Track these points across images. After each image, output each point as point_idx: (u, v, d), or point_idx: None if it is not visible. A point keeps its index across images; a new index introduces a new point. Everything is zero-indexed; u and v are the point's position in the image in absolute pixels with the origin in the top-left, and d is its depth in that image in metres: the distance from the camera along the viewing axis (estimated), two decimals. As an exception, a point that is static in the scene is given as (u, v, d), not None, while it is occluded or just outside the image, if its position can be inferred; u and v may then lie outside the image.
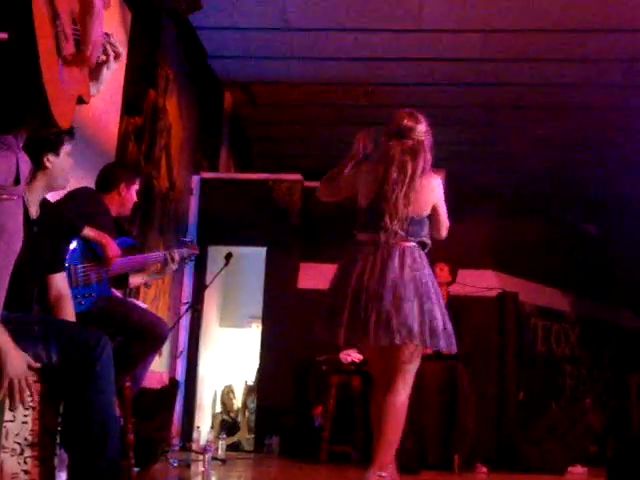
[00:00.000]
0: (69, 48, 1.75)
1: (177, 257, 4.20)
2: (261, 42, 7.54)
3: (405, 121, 3.59)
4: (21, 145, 1.79)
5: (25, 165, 1.74)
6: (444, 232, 3.73)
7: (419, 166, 3.49)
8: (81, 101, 1.91)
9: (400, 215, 3.42)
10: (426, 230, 3.60)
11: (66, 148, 2.76)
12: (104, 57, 2.18)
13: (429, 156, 3.56)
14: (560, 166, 10.05)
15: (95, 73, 2.20)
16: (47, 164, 2.69)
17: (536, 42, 7.16)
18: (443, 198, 3.66)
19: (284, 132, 9.83)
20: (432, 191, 3.58)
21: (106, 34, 2.21)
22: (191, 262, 4.97)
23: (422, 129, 3.59)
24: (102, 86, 2.22)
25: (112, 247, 3.61)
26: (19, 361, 2.34)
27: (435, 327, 3.39)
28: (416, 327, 3.32)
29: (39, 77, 1.49)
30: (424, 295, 3.41)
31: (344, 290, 3.39)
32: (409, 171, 3.46)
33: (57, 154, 2.72)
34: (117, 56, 2.21)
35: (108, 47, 2.18)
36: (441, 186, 3.64)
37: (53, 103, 1.55)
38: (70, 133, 2.77)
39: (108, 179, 3.98)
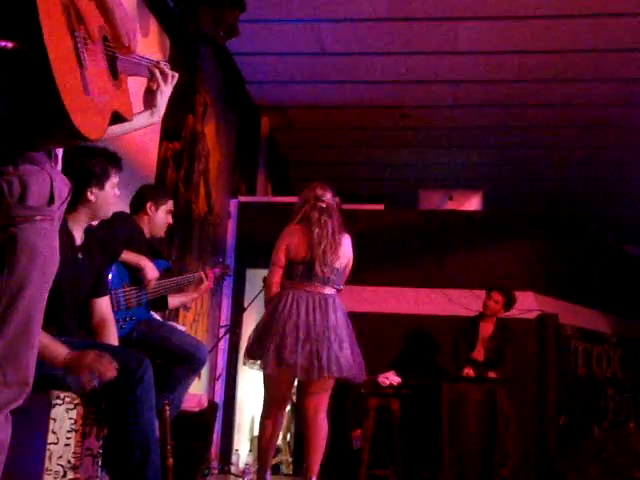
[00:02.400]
0: (99, 64, 1.76)
1: (211, 274, 4.27)
2: (297, 67, 7.61)
3: (318, 190, 4.37)
4: (56, 164, 1.79)
5: (61, 185, 1.71)
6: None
7: (336, 223, 4.25)
8: (119, 118, 1.90)
9: (329, 265, 4.15)
10: (341, 279, 4.31)
11: (112, 181, 2.83)
12: (154, 84, 2.22)
13: (340, 217, 4.32)
14: (599, 186, 9.95)
15: (150, 100, 2.23)
16: (90, 197, 2.76)
17: (572, 62, 7.13)
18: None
19: (321, 155, 9.89)
20: (348, 247, 4.32)
21: (157, 61, 2.24)
22: (224, 281, 5.08)
23: (330, 196, 4.36)
24: (162, 111, 2.24)
25: (151, 269, 3.65)
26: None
27: (360, 362, 4.15)
28: (352, 363, 4.08)
29: (52, 84, 1.48)
30: (351, 337, 4.16)
31: (294, 328, 4.01)
32: (329, 228, 4.20)
33: (102, 187, 2.79)
34: (166, 79, 2.23)
35: (157, 73, 2.21)
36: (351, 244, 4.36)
37: (74, 113, 1.53)
38: (117, 166, 2.84)
39: (137, 200, 4.02)
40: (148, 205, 3.97)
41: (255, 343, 4.13)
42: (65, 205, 1.76)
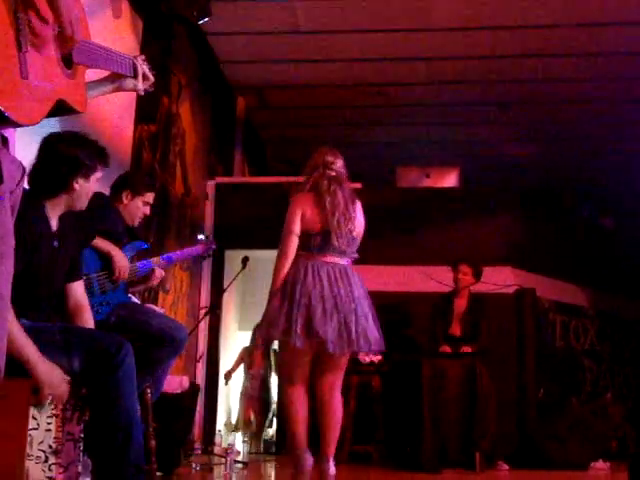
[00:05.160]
0: (47, 51, 1.73)
1: (159, 273, 4.19)
2: (272, 46, 7.57)
3: (327, 156, 4.14)
4: (7, 148, 1.75)
5: (12, 167, 1.68)
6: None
7: (347, 192, 4.06)
8: (67, 108, 1.86)
9: (345, 236, 3.96)
10: (355, 249, 4.12)
11: (97, 175, 2.83)
12: (138, 81, 2.24)
13: (350, 185, 4.17)
14: (575, 161, 10.01)
15: (119, 81, 2.26)
16: (75, 186, 2.75)
17: (545, 37, 7.15)
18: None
19: (297, 135, 9.86)
20: (361, 216, 4.15)
21: (135, 57, 2.26)
22: (209, 258, 4.98)
23: (340, 163, 4.16)
24: (100, 92, 2.29)
25: (120, 258, 3.62)
26: (52, 374, 2.41)
27: (381, 335, 3.97)
28: (378, 337, 3.93)
29: None
30: (372, 309, 4.00)
31: (320, 299, 3.81)
32: (340, 197, 4.00)
33: (87, 179, 2.78)
34: (146, 78, 2.25)
35: (139, 68, 2.23)
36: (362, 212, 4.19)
37: (2, 95, 1.50)
38: (105, 161, 2.85)
39: (115, 186, 3.98)
40: (124, 193, 3.91)
41: (277, 315, 3.84)
42: (20, 189, 1.74)
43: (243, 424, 8.08)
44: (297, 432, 3.92)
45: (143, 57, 2.28)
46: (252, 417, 8.03)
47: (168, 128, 6.52)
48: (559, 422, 6.63)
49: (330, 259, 3.95)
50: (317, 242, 3.94)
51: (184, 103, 6.95)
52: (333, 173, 4.08)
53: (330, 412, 3.96)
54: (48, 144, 2.77)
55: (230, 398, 8.49)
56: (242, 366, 8.22)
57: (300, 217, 3.96)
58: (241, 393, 8.17)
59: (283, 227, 4.02)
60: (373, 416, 6.45)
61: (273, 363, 8.18)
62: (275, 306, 3.88)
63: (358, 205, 4.13)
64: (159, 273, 4.05)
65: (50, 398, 2.41)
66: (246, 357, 8.15)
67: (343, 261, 3.99)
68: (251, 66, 8.10)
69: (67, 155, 2.74)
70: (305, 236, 3.96)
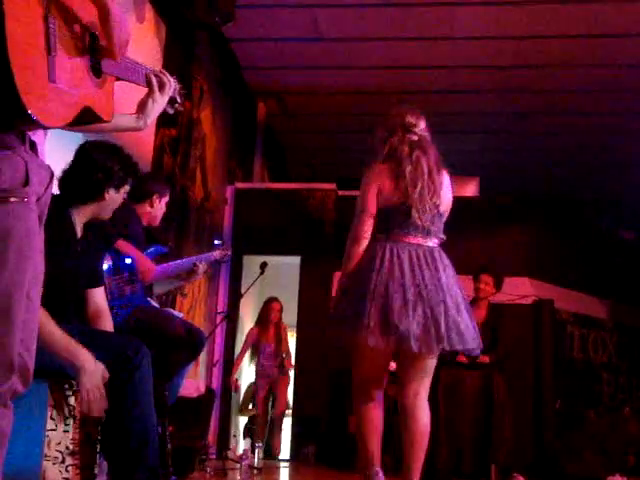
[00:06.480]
0: (75, 57, 1.74)
1: (202, 268, 4.24)
2: (294, 52, 7.60)
3: (408, 117, 3.43)
4: (34, 151, 1.76)
5: (40, 170, 1.69)
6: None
7: (432, 160, 3.35)
8: (94, 116, 1.83)
9: (428, 211, 3.29)
10: (442, 227, 3.46)
11: (126, 188, 2.87)
12: (150, 91, 2.22)
13: (436, 150, 3.43)
14: (595, 171, 9.95)
15: (141, 106, 2.22)
16: (106, 196, 2.78)
17: (567, 48, 7.12)
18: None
19: (317, 141, 9.87)
20: (448, 188, 3.45)
21: (158, 70, 2.24)
22: (224, 263, 4.99)
23: (423, 125, 3.47)
24: (150, 120, 2.23)
25: (143, 262, 3.66)
26: (96, 374, 2.44)
27: (476, 332, 3.29)
28: (474, 332, 3.25)
29: (6, 60, 1.46)
30: (465, 299, 3.33)
31: (400, 288, 3.16)
32: (424, 166, 3.30)
33: (118, 191, 2.82)
34: (163, 89, 2.23)
35: (153, 80, 2.21)
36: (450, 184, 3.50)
37: (28, 94, 1.51)
38: (135, 176, 2.90)
39: (141, 190, 4.02)
40: (154, 198, 4.03)
41: (347, 309, 3.22)
42: (49, 194, 1.75)
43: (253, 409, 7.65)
44: (368, 448, 3.37)
45: (160, 69, 2.26)
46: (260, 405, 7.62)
47: (189, 133, 6.54)
48: (576, 435, 6.58)
49: (413, 240, 3.28)
50: (397, 220, 3.28)
51: (205, 108, 6.97)
52: (415, 137, 3.38)
53: (413, 423, 3.34)
54: (85, 151, 2.80)
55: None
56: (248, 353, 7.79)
57: (377, 191, 3.30)
58: (256, 372, 7.72)
59: (356, 206, 3.38)
60: (388, 424, 6.41)
61: (283, 339, 7.78)
62: (345, 298, 3.28)
63: (445, 175, 3.42)
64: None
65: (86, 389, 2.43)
66: (261, 335, 7.64)
67: (429, 242, 3.32)
68: (272, 72, 8.13)
69: (103, 164, 2.78)
70: (382, 214, 3.30)
